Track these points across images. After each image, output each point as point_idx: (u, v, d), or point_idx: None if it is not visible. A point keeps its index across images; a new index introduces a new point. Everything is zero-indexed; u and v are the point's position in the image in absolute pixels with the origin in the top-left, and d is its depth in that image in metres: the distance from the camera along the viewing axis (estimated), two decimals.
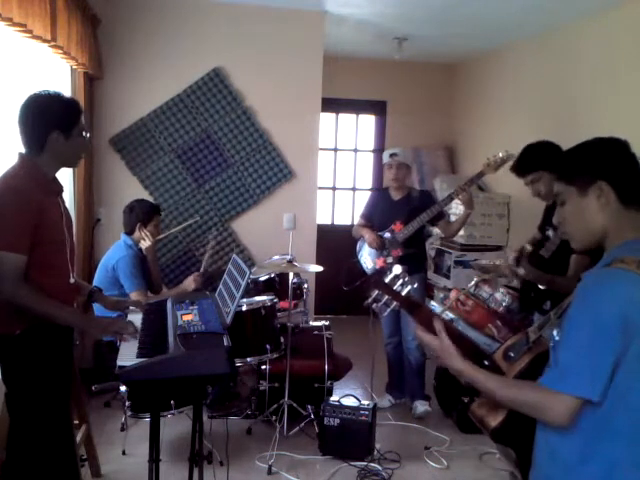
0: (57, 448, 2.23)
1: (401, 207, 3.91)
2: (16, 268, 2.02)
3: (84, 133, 2.23)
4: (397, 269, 1.73)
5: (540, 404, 1.36)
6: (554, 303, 2.92)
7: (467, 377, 1.50)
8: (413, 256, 3.89)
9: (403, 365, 4.06)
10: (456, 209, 4.68)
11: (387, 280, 1.70)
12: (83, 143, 2.24)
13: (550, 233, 3.00)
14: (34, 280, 2.08)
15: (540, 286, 2.99)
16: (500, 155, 3.57)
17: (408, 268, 3.71)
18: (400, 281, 1.69)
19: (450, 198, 3.72)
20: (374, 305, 1.73)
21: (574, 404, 1.33)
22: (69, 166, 2.32)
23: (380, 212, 4.02)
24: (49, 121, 2.12)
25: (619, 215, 1.45)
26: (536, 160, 2.94)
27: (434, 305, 3.75)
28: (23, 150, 2.18)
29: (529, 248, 3.07)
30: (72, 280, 2.28)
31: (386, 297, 1.70)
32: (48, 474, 2.19)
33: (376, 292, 1.72)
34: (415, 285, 1.70)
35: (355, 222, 6.32)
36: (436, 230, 4.88)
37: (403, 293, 1.69)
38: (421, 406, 3.91)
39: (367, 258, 4.04)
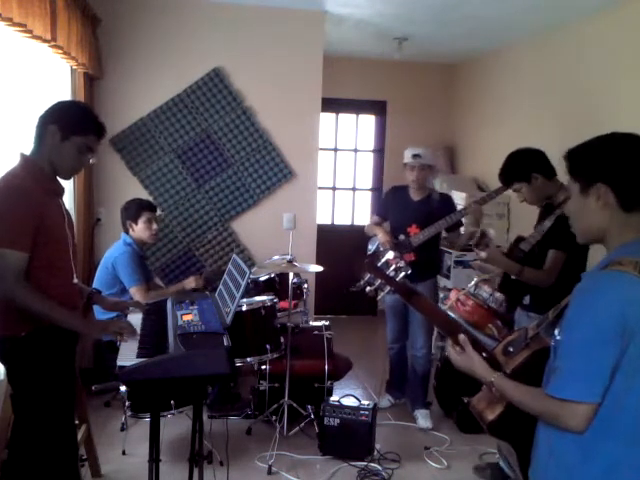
0: (59, 448, 2.23)
1: (419, 209, 3.72)
2: (17, 266, 2.01)
3: (87, 153, 2.20)
4: (389, 255, 1.73)
5: (558, 415, 1.37)
6: (533, 298, 2.95)
7: (497, 386, 1.53)
8: (427, 261, 3.72)
9: (405, 368, 4.02)
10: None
11: (379, 264, 1.71)
12: (77, 157, 2.18)
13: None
14: (38, 280, 2.07)
15: (512, 276, 3.02)
16: None
17: (421, 273, 3.65)
18: (393, 266, 1.69)
19: (462, 212, 3.57)
20: (367, 289, 1.73)
21: (590, 410, 1.34)
22: (60, 174, 2.22)
23: (397, 211, 3.84)
24: (54, 115, 2.15)
25: (619, 218, 1.43)
26: (514, 172, 3.00)
27: None
28: (25, 150, 2.18)
29: (491, 232, 3.07)
30: (75, 281, 2.27)
31: (379, 281, 1.70)
32: (49, 474, 2.19)
33: (369, 275, 1.73)
34: (409, 271, 1.69)
35: (355, 222, 6.41)
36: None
37: (397, 279, 1.69)
38: (422, 420, 3.81)
39: (389, 252, 3.91)
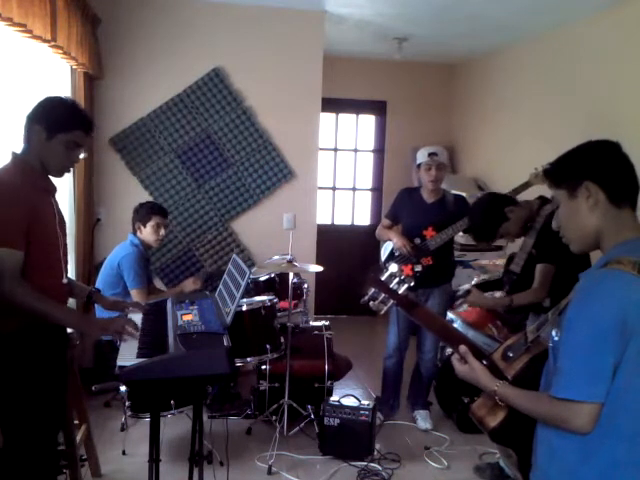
0: (39, 451, 2.14)
1: (434, 211, 3.63)
2: (14, 265, 1.98)
3: (75, 149, 2.16)
4: (393, 267, 1.73)
5: (563, 416, 1.37)
6: (553, 301, 2.94)
7: (500, 395, 1.54)
8: (443, 265, 3.65)
9: (399, 385, 3.89)
10: None
11: (383, 278, 1.71)
12: (65, 154, 2.14)
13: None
14: (26, 278, 2.02)
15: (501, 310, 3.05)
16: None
17: (437, 278, 3.59)
18: (396, 279, 1.69)
19: None
20: (371, 303, 1.73)
21: (595, 410, 1.34)
22: (51, 172, 2.18)
23: (409, 214, 3.71)
24: (38, 114, 2.11)
25: (611, 215, 1.44)
26: (492, 222, 3.05)
27: None
28: (18, 149, 2.15)
29: (466, 287, 3.14)
30: (65, 280, 2.23)
31: (382, 295, 1.70)
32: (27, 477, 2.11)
33: (372, 290, 1.73)
34: (412, 283, 1.69)
35: (355, 222, 6.41)
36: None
37: (400, 291, 1.70)
38: (422, 421, 3.78)
39: (392, 265, 3.63)
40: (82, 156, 2.25)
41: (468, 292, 3.11)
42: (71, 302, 3.61)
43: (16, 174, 2.07)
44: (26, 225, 2.01)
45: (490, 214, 3.05)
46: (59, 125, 2.10)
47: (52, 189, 2.23)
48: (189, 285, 3.78)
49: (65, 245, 2.27)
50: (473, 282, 4.09)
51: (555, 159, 1.55)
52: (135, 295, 3.57)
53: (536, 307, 3.06)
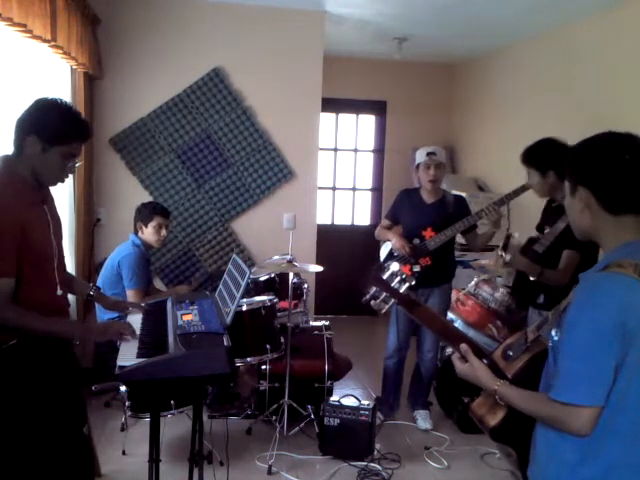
0: (70, 446, 2.12)
1: (433, 212, 3.62)
2: (4, 291, 1.91)
3: (72, 159, 2.05)
4: (394, 266, 1.73)
5: (562, 419, 1.37)
6: (548, 297, 2.95)
7: (501, 395, 1.54)
8: (442, 265, 3.65)
9: (400, 385, 3.90)
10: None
11: (384, 277, 1.71)
12: (61, 166, 2.02)
13: (547, 230, 3.03)
14: (20, 294, 1.96)
15: (530, 277, 3.02)
16: None
17: (436, 278, 3.59)
18: (398, 278, 1.70)
19: (479, 214, 3.44)
20: (372, 302, 1.73)
21: (594, 414, 1.33)
22: (45, 182, 2.07)
23: (408, 214, 3.72)
24: (33, 124, 1.97)
25: (604, 220, 1.43)
26: (532, 156, 3.02)
27: None
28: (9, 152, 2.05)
29: (516, 235, 3.08)
30: (59, 292, 2.13)
31: (384, 294, 1.70)
32: None
33: (374, 289, 1.73)
34: (413, 282, 1.69)
35: (355, 222, 6.41)
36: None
37: (401, 290, 1.70)
38: (422, 421, 3.78)
39: (394, 264, 3.69)
40: (78, 165, 2.15)
41: (508, 238, 3.07)
42: (71, 299, 3.63)
43: (6, 187, 1.97)
44: (17, 247, 1.92)
45: (541, 151, 2.98)
46: (56, 137, 1.98)
47: (44, 198, 2.11)
48: (182, 290, 3.80)
49: (61, 254, 2.19)
50: (473, 282, 4.09)
51: (571, 147, 1.52)
52: (131, 296, 3.55)
53: (534, 301, 3.07)
